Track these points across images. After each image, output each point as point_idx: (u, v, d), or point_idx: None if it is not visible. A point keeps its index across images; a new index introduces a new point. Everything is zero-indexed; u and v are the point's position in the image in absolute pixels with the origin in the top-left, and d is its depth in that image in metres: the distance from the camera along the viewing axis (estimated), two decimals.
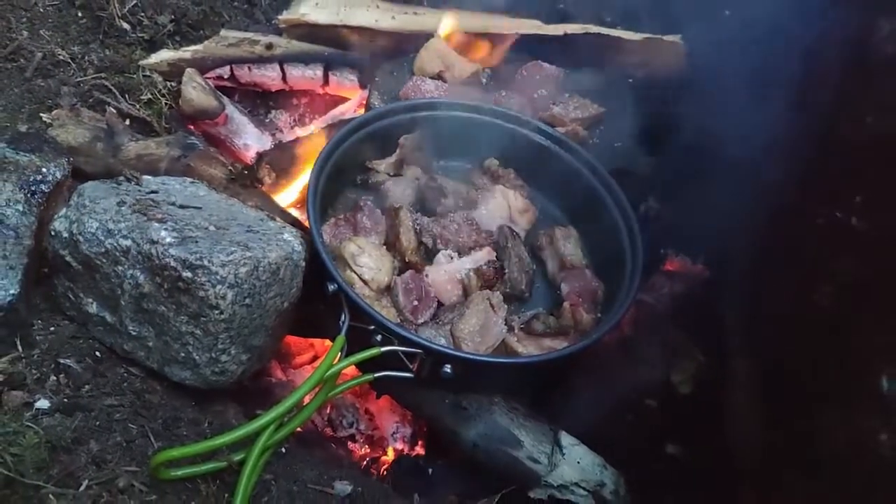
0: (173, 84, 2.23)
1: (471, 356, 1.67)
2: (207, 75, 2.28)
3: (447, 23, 2.34)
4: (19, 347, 1.51)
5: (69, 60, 2.14)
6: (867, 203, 1.49)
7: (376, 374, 1.65)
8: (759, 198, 1.80)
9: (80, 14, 2.26)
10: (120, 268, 1.51)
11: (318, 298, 1.67)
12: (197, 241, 1.50)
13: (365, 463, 1.92)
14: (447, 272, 1.80)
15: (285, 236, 1.64)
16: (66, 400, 1.47)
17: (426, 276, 1.80)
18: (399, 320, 1.73)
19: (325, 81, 2.42)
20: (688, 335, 2.00)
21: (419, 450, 1.98)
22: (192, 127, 2.22)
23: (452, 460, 1.85)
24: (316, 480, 1.62)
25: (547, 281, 1.94)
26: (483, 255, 1.84)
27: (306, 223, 1.74)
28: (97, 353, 1.59)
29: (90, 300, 1.58)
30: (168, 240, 1.48)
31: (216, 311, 1.48)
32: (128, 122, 2.10)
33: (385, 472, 1.89)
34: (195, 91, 2.16)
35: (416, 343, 1.58)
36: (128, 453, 1.43)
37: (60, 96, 2.07)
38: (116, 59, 2.21)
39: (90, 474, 1.36)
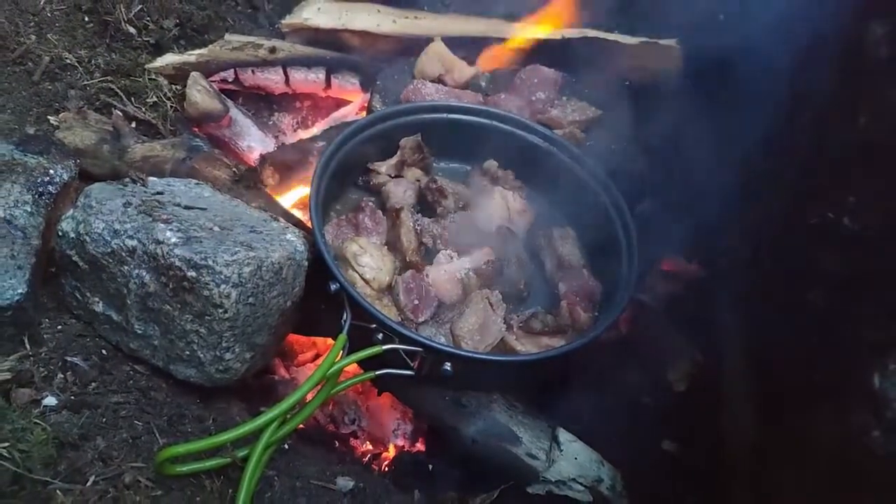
0: (178, 87, 2.24)
1: (470, 354, 1.69)
2: (212, 79, 2.30)
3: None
4: (27, 345, 1.53)
5: (76, 64, 2.16)
6: (859, 204, 1.50)
7: (377, 372, 1.67)
8: (752, 198, 1.81)
9: (86, 18, 2.27)
10: (126, 267, 1.53)
11: (321, 298, 1.69)
12: (201, 242, 1.52)
13: (366, 459, 1.92)
14: (447, 272, 1.82)
15: (288, 237, 1.66)
16: (73, 397, 1.48)
17: (426, 275, 1.81)
18: (400, 319, 1.75)
19: (328, 85, 2.43)
20: (683, 334, 2.01)
21: (420, 446, 1.99)
22: (196, 129, 2.23)
23: (452, 456, 1.85)
24: (318, 476, 1.64)
25: (545, 280, 1.95)
26: (482, 255, 1.85)
27: (309, 224, 1.76)
28: (103, 352, 1.61)
29: (96, 299, 1.60)
30: (173, 240, 1.50)
31: (220, 310, 1.50)
32: (134, 124, 2.11)
33: (386, 468, 1.90)
34: (200, 94, 2.18)
35: (417, 341, 1.60)
36: (133, 450, 1.45)
37: (67, 99, 2.08)
38: (123, 63, 2.22)
39: (97, 470, 1.38)
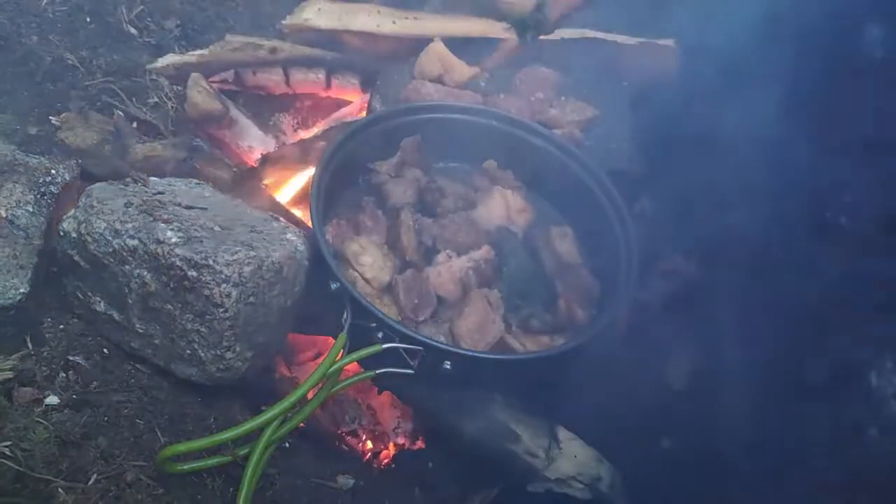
0: (179, 88, 2.24)
1: (470, 353, 1.69)
2: (213, 79, 2.30)
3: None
4: (29, 345, 1.53)
5: (78, 65, 2.16)
6: (856, 203, 1.51)
7: (378, 371, 1.67)
8: (750, 198, 1.81)
9: (88, 19, 2.28)
10: (127, 267, 1.53)
11: (321, 297, 1.70)
12: (202, 241, 1.53)
13: (367, 457, 1.93)
14: (447, 271, 1.82)
15: (289, 236, 1.67)
16: (74, 396, 1.49)
17: (426, 275, 1.82)
18: (400, 318, 1.76)
19: (328, 85, 2.44)
20: (682, 332, 2.01)
21: (420, 444, 1.99)
22: (197, 130, 2.23)
23: (452, 454, 1.86)
24: (319, 474, 1.65)
25: (544, 279, 1.95)
26: (482, 255, 1.86)
27: (309, 223, 1.77)
28: (105, 351, 1.61)
29: (98, 299, 1.61)
30: (174, 240, 1.51)
31: (221, 310, 1.51)
32: (135, 124, 2.12)
33: (386, 466, 1.91)
34: (200, 95, 2.18)
35: (417, 340, 1.60)
36: (135, 448, 1.45)
37: (69, 100, 2.09)
38: (124, 64, 2.22)
39: (99, 468, 1.38)
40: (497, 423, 1.77)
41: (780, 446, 1.58)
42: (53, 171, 1.65)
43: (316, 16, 2.42)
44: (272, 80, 2.41)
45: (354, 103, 2.47)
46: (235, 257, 1.52)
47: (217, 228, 1.60)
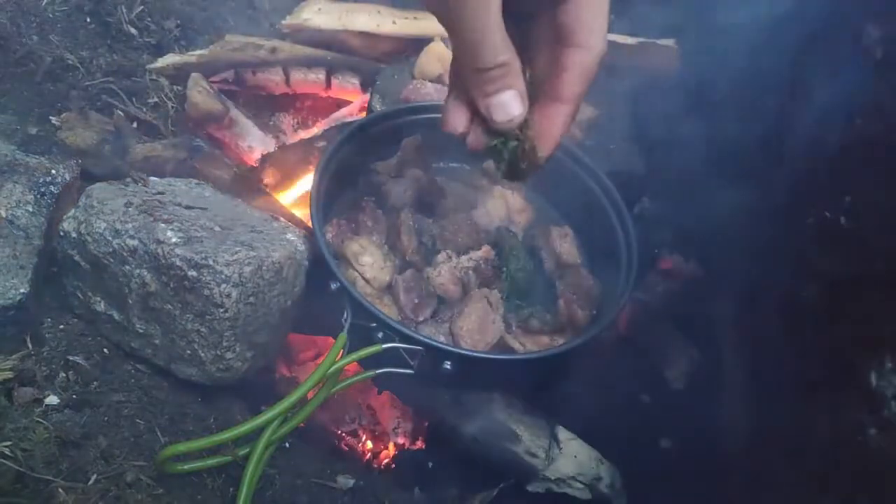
0: (179, 88, 2.24)
1: (470, 353, 1.69)
2: (213, 79, 2.30)
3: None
4: (29, 345, 1.54)
5: (78, 65, 2.16)
6: (855, 203, 1.51)
7: (378, 371, 1.68)
8: (750, 197, 1.82)
9: (88, 20, 2.28)
10: (127, 267, 1.54)
11: (321, 297, 1.70)
12: (202, 241, 1.53)
13: (367, 457, 1.93)
14: (447, 271, 1.82)
15: (288, 236, 1.67)
16: (74, 396, 1.49)
17: (426, 275, 1.82)
18: (400, 318, 1.76)
19: (328, 85, 2.44)
20: (681, 332, 2.02)
21: (420, 444, 1.99)
22: (197, 130, 2.23)
23: (452, 454, 1.86)
24: (319, 474, 1.65)
25: (544, 279, 1.95)
26: (481, 255, 1.85)
27: (309, 223, 1.77)
28: (105, 351, 1.62)
29: (98, 299, 1.61)
30: (174, 240, 1.51)
31: (221, 310, 1.51)
32: (135, 124, 2.12)
33: (386, 466, 1.91)
34: (200, 95, 2.19)
35: (417, 340, 1.60)
36: (135, 448, 1.46)
37: (69, 100, 2.09)
38: (124, 64, 2.22)
39: (99, 468, 1.39)
40: (497, 423, 1.77)
41: (780, 446, 1.58)
42: (53, 171, 1.65)
43: (316, 16, 2.42)
44: (272, 80, 2.41)
45: (354, 103, 2.47)
46: (235, 257, 1.52)
47: (217, 228, 1.60)
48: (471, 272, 1.83)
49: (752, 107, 1.78)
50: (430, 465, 1.90)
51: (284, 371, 2.00)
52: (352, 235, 1.86)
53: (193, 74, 2.22)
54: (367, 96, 2.36)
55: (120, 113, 2.11)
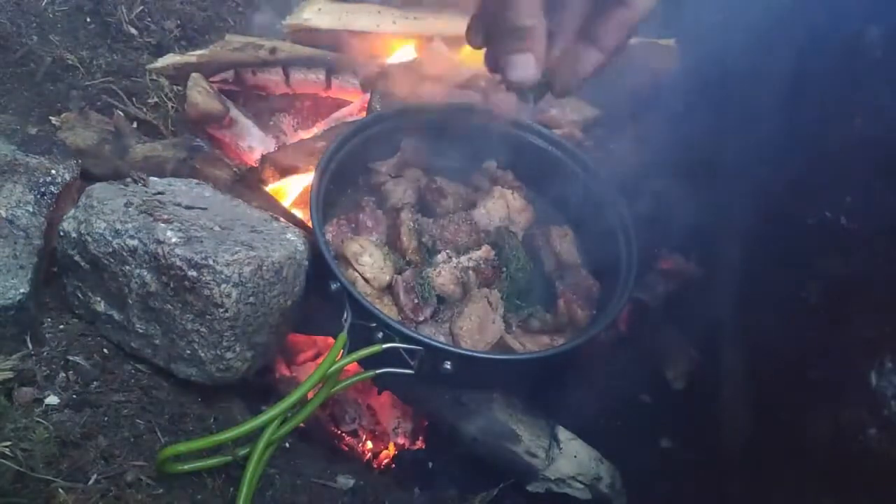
0: (179, 88, 2.25)
1: (470, 353, 1.69)
2: (213, 79, 2.30)
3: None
4: (29, 345, 1.54)
5: (78, 65, 2.17)
6: (856, 203, 1.51)
7: (378, 371, 1.67)
8: (751, 197, 1.82)
9: (88, 20, 2.28)
10: (127, 267, 1.54)
11: (321, 297, 1.70)
12: (202, 241, 1.53)
13: (367, 457, 1.93)
14: (447, 271, 1.82)
15: (288, 236, 1.67)
16: (75, 396, 1.49)
17: (426, 275, 1.82)
18: (400, 318, 1.76)
19: (328, 85, 2.44)
20: (681, 332, 2.02)
21: (420, 444, 1.99)
22: (197, 130, 2.23)
23: (452, 454, 1.86)
24: (319, 474, 1.64)
25: (544, 279, 1.95)
26: (481, 255, 1.85)
27: (309, 223, 1.77)
28: (105, 351, 1.61)
29: (98, 299, 1.61)
30: (174, 240, 1.51)
31: (221, 310, 1.51)
32: (135, 124, 2.12)
33: (386, 466, 1.91)
34: (200, 95, 2.19)
35: (417, 340, 1.60)
36: (135, 448, 1.45)
37: (69, 100, 2.09)
38: (124, 64, 2.23)
39: (99, 468, 1.38)
40: (497, 423, 1.77)
41: (780, 446, 1.58)
42: (53, 171, 1.65)
43: (316, 16, 2.42)
44: (272, 80, 2.41)
45: (354, 103, 2.47)
46: (235, 257, 1.52)
47: (217, 228, 1.60)
48: (471, 272, 1.82)
49: (753, 106, 1.77)
50: (430, 465, 1.90)
51: (284, 371, 2.00)
52: (352, 235, 1.86)
53: (193, 74, 2.22)
54: (367, 96, 2.36)
55: (120, 113, 2.11)
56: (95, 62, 2.21)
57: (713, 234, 1.91)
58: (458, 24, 2.41)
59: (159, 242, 1.50)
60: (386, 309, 1.74)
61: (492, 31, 1.20)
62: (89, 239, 1.55)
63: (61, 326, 1.62)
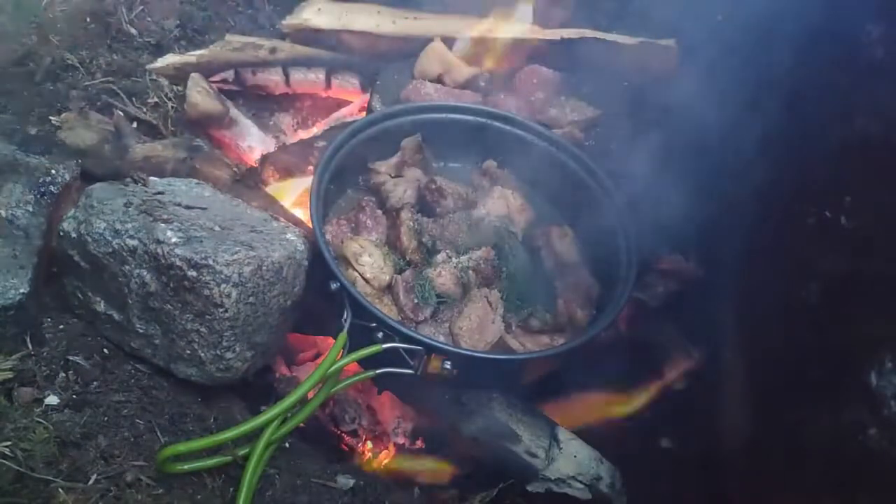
0: (179, 88, 2.25)
1: (470, 353, 1.69)
2: (213, 79, 2.31)
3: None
4: (29, 345, 1.54)
5: (78, 65, 2.16)
6: (856, 203, 1.51)
7: (378, 371, 1.67)
8: (751, 198, 1.82)
9: (88, 20, 2.28)
10: (127, 267, 1.54)
11: (321, 297, 1.70)
12: (202, 241, 1.53)
13: (367, 457, 1.93)
14: (447, 271, 1.82)
15: (288, 236, 1.67)
16: (74, 396, 1.49)
17: (426, 275, 1.82)
18: (400, 318, 1.76)
19: (328, 85, 2.44)
20: (681, 332, 2.02)
21: (420, 444, 1.99)
22: (197, 130, 2.23)
23: (452, 454, 1.86)
24: (319, 474, 1.64)
25: (544, 279, 1.95)
26: (481, 255, 1.85)
27: (309, 223, 1.77)
28: (105, 351, 1.62)
29: (98, 299, 1.61)
30: (174, 240, 1.51)
31: (221, 310, 1.51)
32: (135, 124, 2.12)
33: (386, 466, 1.91)
34: (200, 95, 2.19)
35: (417, 340, 1.60)
36: (135, 448, 1.45)
37: (69, 100, 2.09)
38: (124, 64, 2.23)
39: (98, 469, 1.39)
40: (497, 423, 1.77)
41: (780, 446, 1.58)
42: (53, 171, 1.65)
43: (316, 16, 2.42)
44: (272, 80, 2.41)
45: (354, 103, 2.48)
46: (235, 257, 1.52)
47: (217, 228, 1.60)
48: (471, 272, 1.83)
49: (753, 106, 1.77)
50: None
51: (284, 371, 2.00)
52: (352, 235, 1.86)
53: (193, 74, 2.22)
54: (368, 96, 2.36)
55: (120, 113, 2.11)
56: (95, 62, 2.20)
57: (713, 234, 1.91)
58: (458, 24, 2.41)
59: (159, 242, 1.50)
60: (386, 309, 1.74)
61: None
62: (89, 239, 1.55)
63: (61, 326, 1.61)
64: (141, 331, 1.58)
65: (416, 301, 1.77)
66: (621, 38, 2.33)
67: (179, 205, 1.66)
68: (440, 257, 1.85)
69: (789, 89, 1.75)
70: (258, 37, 2.44)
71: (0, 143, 1.72)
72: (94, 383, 1.54)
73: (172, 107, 2.22)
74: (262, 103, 2.51)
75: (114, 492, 1.36)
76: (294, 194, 2.13)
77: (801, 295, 1.58)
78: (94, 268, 1.57)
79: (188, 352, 1.56)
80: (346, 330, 1.61)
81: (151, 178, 1.76)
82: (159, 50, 2.33)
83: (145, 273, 1.53)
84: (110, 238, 1.53)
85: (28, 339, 1.54)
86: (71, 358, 1.55)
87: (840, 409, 1.41)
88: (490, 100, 2.23)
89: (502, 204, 2.00)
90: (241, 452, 1.48)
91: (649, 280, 2.05)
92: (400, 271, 1.82)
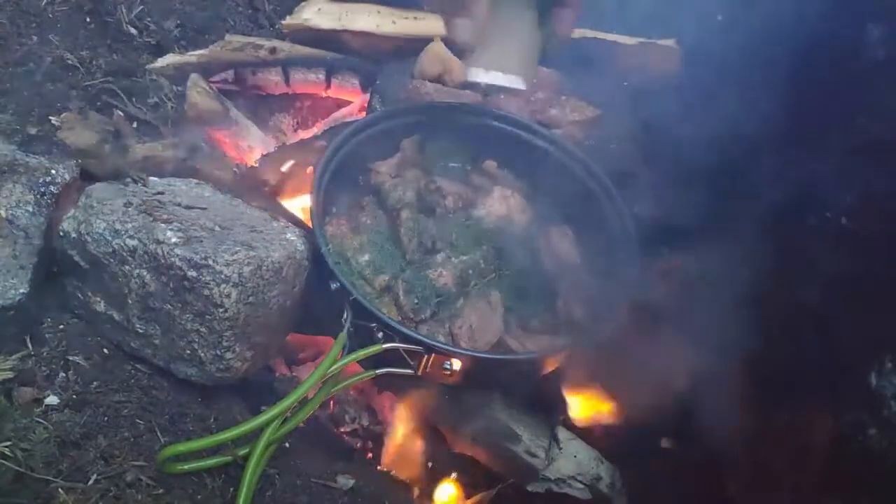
0: (179, 88, 2.24)
1: (470, 353, 1.69)
2: (212, 79, 2.30)
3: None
4: (29, 345, 1.54)
5: (77, 65, 2.16)
6: (857, 204, 1.51)
7: (378, 371, 1.67)
8: (751, 198, 1.82)
9: (88, 19, 2.27)
10: (127, 267, 1.54)
11: (321, 297, 1.70)
12: (202, 241, 1.53)
13: (367, 457, 1.93)
14: (447, 271, 1.82)
15: (288, 236, 1.67)
16: (74, 396, 1.49)
17: (426, 275, 1.82)
18: (400, 318, 1.76)
19: (328, 85, 2.44)
20: (681, 332, 2.01)
21: (420, 444, 1.99)
22: (197, 130, 2.23)
23: (452, 454, 1.86)
24: (319, 474, 1.64)
25: (544, 279, 1.94)
26: (481, 255, 1.86)
27: (309, 223, 1.77)
28: (105, 351, 1.61)
29: (98, 299, 1.61)
30: (174, 240, 1.51)
31: (221, 310, 1.51)
32: (135, 124, 2.11)
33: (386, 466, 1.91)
34: (200, 95, 2.19)
35: (417, 340, 1.60)
36: (135, 448, 1.45)
37: (69, 100, 2.08)
38: (124, 64, 2.22)
39: (98, 469, 1.38)
40: (497, 423, 1.77)
41: (780, 446, 1.58)
42: (53, 171, 1.65)
43: (316, 16, 2.42)
44: (272, 80, 2.41)
45: (354, 103, 2.48)
46: (235, 257, 1.52)
47: (217, 228, 1.60)
48: (471, 272, 1.83)
49: (753, 107, 1.77)
50: (430, 465, 1.90)
51: (284, 371, 2.00)
52: (352, 235, 1.86)
53: (193, 74, 2.22)
54: (368, 96, 2.36)
55: (120, 113, 2.10)
56: (95, 62, 2.20)
57: (713, 234, 1.91)
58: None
59: (159, 242, 1.50)
60: (386, 309, 1.74)
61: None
62: (89, 239, 1.55)
63: (61, 326, 1.61)
64: (141, 331, 1.58)
65: (416, 301, 1.77)
66: (622, 38, 2.33)
67: (179, 205, 1.66)
68: (440, 257, 1.85)
69: (790, 89, 1.74)
70: (258, 37, 2.43)
71: (0, 143, 1.72)
72: (94, 383, 1.53)
73: (172, 107, 2.21)
74: (262, 103, 2.50)
75: (114, 492, 1.36)
76: (294, 194, 2.13)
77: (801, 295, 1.58)
78: (94, 268, 1.57)
79: (188, 352, 1.56)
80: (346, 330, 1.61)
81: (151, 178, 1.76)
82: (159, 50, 2.33)
83: (145, 273, 1.53)
84: (110, 238, 1.53)
85: (28, 340, 1.54)
86: (71, 358, 1.55)
87: (840, 410, 1.41)
88: (490, 100, 2.23)
89: (502, 204, 2.00)
90: (241, 452, 1.48)
91: (649, 280, 2.04)
92: (400, 271, 1.82)
